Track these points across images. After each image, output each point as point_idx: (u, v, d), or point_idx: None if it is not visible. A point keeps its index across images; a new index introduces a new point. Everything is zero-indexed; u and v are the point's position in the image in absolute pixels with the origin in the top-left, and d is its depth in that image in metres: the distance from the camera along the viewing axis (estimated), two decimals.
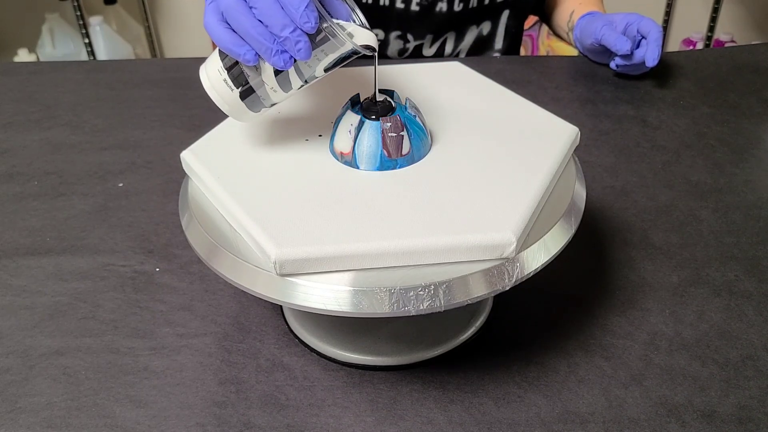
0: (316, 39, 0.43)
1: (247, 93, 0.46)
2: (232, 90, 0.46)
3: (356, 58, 0.46)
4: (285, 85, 0.46)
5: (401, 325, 0.52)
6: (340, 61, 0.46)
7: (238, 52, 0.43)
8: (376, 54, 0.47)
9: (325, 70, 0.46)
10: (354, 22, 0.47)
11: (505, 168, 0.47)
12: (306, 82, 0.46)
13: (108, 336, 0.53)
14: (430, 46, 0.98)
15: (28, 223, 0.67)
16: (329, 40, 0.43)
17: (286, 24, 0.41)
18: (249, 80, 0.46)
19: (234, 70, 0.46)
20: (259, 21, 0.42)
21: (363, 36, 0.45)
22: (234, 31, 0.43)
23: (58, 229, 0.66)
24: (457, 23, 0.97)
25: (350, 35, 0.44)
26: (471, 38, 0.99)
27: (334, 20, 0.43)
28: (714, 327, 0.53)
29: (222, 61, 0.46)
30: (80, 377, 0.50)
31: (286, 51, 0.42)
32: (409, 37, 0.97)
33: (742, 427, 0.45)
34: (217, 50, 0.47)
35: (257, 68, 0.45)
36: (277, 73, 0.45)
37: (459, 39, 0.99)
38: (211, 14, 0.44)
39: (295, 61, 0.43)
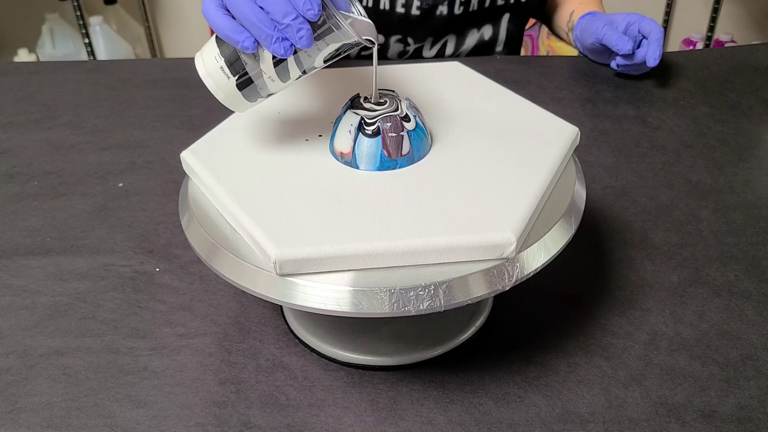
0: (317, 28, 0.43)
1: (244, 82, 0.46)
2: (228, 78, 0.46)
3: (356, 50, 0.46)
4: (283, 74, 0.46)
5: (401, 325, 0.52)
6: (341, 52, 0.45)
7: (237, 38, 0.43)
8: (376, 46, 0.46)
9: (325, 61, 0.46)
10: (353, 13, 0.46)
11: (505, 168, 0.47)
12: (304, 72, 0.46)
13: (108, 336, 0.53)
14: (431, 48, 0.98)
15: (28, 223, 0.67)
16: (331, 29, 0.43)
17: (289, 11, 0.41)
18: (247, 68, 0.45)
19: (231, 57, 0.45)
20: (260, 8, 0.42)
21: (364, 27, 0.45)
22: (233, 17, 0.43)
23: (58, 229, 0.66)
24: (458, 26, 0.97)
25: (351, 25, 0.44)
26: (472, 42, 0.99)
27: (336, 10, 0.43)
28: (714, 327, 0.53)
29: (219, 47, 0.45)
30: (80, 377, 0.50)
31: (286, 39, 0.42)
32: (410, 40, 0.96)
33: (742, 427, 0.45)
34: (214, 37, 0.46)
35: (256, 56, 0.45)
36: (276, 62, 0.45)
37: (459, 42, 0.99)
38: (209, 0, 0.44)
39: (295, 50, 0.43)
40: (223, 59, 0.45)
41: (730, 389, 0.48)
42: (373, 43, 0.46)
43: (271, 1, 0.41)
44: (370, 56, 0.46)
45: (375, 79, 0.49)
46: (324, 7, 0.41)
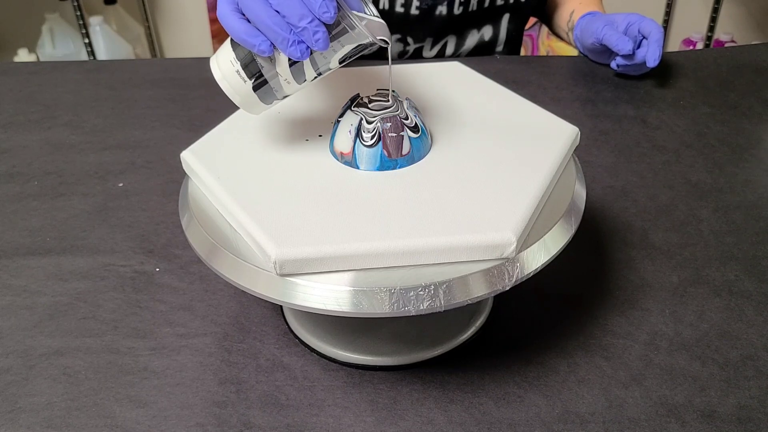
0: (332, 30, 0.43)
1: (260, 84, 0.46)
2: (245, 81, 0.46)
3: (369, 51, 0.46)
4: (299, 76, 0.46)
5: (401, 325, 0.52)
6: (356, 53, 0.46)
7: (253, 42, 0.43)
8: (390, 46, 0.47)
9: (340, 62, 0.46)
10: (366, 14, 0.47)
11: (505, 168, 0.47)
12: (320, 73, 0.46)
13: (108, 336, 0.53)
14: (431, 49, 0.98)
15: (28, 223, 0.67)
16: (347, 31, 0.43)
17: (305, 14, 0.41)
18: (263, 71, 0.45)
19: (247, 60, 0.45)
20: (276, 11, 0.42)
21: (378, 28, 0.45)
22: (248, 21, 0.43)
23: (58, 229, 0.66)
24: (457, 27, 0.97)
25: (366, 26, 0.44)
26: (472, 42, 0.99)
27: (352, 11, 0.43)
28: (714, 327, 0.53)
29: (234, 51, 0.45)
30: (80, 377, 0.50)
31: (302, 41, 0.42)
32: (409, 40, 0.96)
33: (742, 427, 0.45)
34: (229, 40, 0.46)
35: (271, 59, 0.45)
36: (291, 64, 0.45)
37: (460, 43, 0.99)
38: (225, 4, 0.44)
39: (311, 52, 0.43)
40: (239, 63, 0.45)
41: (730, 389, 0.48)
42: (387, 43, 0.46)
43: (287, 5, 0.41)
44: (371, 56, 0.46)
45: (390, 77, 0.49)
46: (339, 8, 0.41)
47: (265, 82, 0.46)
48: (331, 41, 0.43)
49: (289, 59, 0.44)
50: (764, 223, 0.64)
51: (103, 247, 0.63)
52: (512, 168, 0.47)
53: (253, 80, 0.46)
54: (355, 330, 0.51)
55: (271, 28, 0.42)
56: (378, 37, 0.44)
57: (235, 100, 0.47)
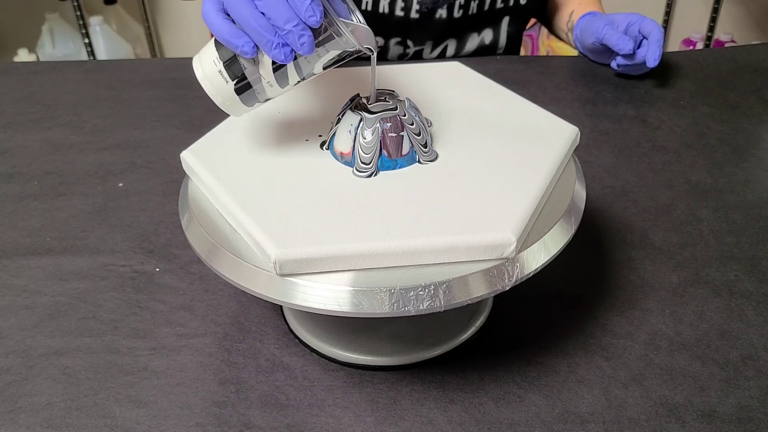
0: (319, 35, 0.43)
1: (242, 87, 0.46)
2: (227, 82, 0.45)
3: (355, 57, 0.46)
4: (282, 80, 0.45)
5: (401, 325, 0.52)
6: (340, 60, 0.46)
7: (237, 43, 0.42)
8: (375, 54, 0.47)
9: (324, 68, 0.46)
10: (352, 21, 0.47)
11: (505, 168, 0.47)
12: (303, 78, 0.46)
13: (108, 336, 0.53)
14: (431, 52, 0.98)
15: (28, 223, 0.67)
16: (333, 37, 0.43)
17: (290, 17, 0.41)
18: (245, 73, 0.45)
19: (230, 61, 0.45)
20: (261, 13, 0.41)
21: (364, 35, 0.45)
22: (233, 21, 0.43)
23: (58, 229, 0.66)
24: (458, 30, 0.97)
25: (352, 33, 0.44)
26: (472, 46, 0.99)
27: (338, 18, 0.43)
28: (714, 327, 0.53)
29: (218, 51, 0.45)
30: (80, 377, 0.50)
31: (287, 45, 0.42)
32: (409, 43, 0.96)
33: (742, 427, 0.45)
34: (212, 40, 0.46)
35: (255, 61, 0.44)
36: (275, 68, 0.44)
37: (460, 47, 0.99)
38: (209, 3, 0.44)
39: (295, 56, 0.43)
40: (221, 63, 0.45)
41: (730, 389, 0.48)
42: (372, 51, 0.46)
43: (273, 7, 0.41)
44: (369, 57, 0.46)
45: (373, 84, 0.49)
46: (325, 14, 0.41)
47: (248, 84, 0.45)
48: (317, 47, 0.42)
49: (273, 62, 0.44)
50: (764, 223, 0.65)
51: (103, 247, 0.63)
52: (512, 168, 0.47)
53: (235, 82, 0.45)
54: (355, 330, 0.52)
55: (256, 29, 0.41)
56: (364, 45, 0.44)
57: (217, 101, 0.47)
